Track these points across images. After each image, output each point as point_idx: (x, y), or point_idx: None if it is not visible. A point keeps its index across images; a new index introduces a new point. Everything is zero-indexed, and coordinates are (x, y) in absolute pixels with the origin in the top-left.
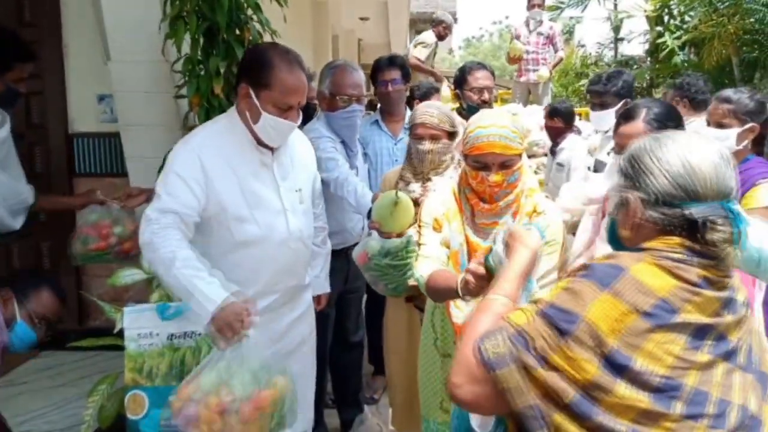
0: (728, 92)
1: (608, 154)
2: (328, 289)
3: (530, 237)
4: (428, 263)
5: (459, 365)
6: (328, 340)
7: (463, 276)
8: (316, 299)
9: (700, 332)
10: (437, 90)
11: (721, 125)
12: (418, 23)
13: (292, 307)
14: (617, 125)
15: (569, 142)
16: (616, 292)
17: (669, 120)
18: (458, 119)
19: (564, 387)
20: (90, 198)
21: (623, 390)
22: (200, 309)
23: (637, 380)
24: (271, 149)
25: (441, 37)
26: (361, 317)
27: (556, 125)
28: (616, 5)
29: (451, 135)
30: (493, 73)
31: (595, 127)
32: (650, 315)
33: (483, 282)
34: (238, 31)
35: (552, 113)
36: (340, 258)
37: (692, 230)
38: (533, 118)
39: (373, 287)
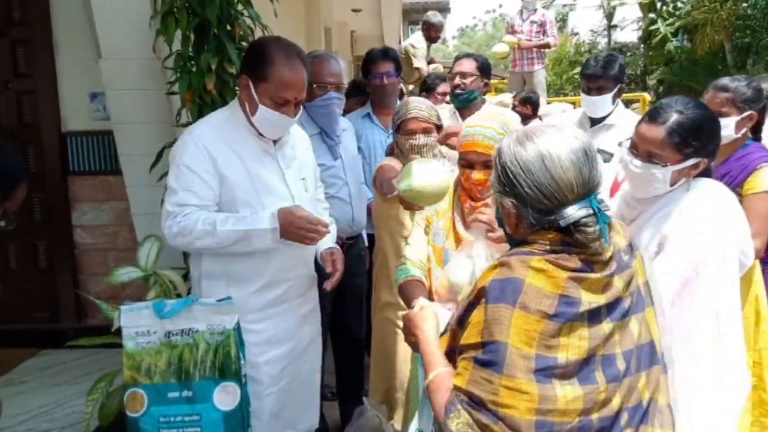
0: (725, 80)
1: (619, 145)
2: (337, 246)
3: (423, 319)
4: (410, 268)
5: None
6: (326, 334)
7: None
8: (329, 256)
9: (598, 311)
10: (443, 80)
11: (719, 114)
12: (411, 14)
13: (303, 300)
14: (640, 120)
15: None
16: (524, 305)
17: (695, 137)
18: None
19: (521, 423)
20: None
21: (560, 390)
22: (265, 241)
23: (565, 374)
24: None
25: (432, 40)
26: (363, 312)
27: (526, 112)
28: None
29: (439, 128)
30: (477, 61)
31: (588, 114)
32: (557, 315)
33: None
34: (228, 27)
35: (524, 101)
36: None
37: (563, 229)
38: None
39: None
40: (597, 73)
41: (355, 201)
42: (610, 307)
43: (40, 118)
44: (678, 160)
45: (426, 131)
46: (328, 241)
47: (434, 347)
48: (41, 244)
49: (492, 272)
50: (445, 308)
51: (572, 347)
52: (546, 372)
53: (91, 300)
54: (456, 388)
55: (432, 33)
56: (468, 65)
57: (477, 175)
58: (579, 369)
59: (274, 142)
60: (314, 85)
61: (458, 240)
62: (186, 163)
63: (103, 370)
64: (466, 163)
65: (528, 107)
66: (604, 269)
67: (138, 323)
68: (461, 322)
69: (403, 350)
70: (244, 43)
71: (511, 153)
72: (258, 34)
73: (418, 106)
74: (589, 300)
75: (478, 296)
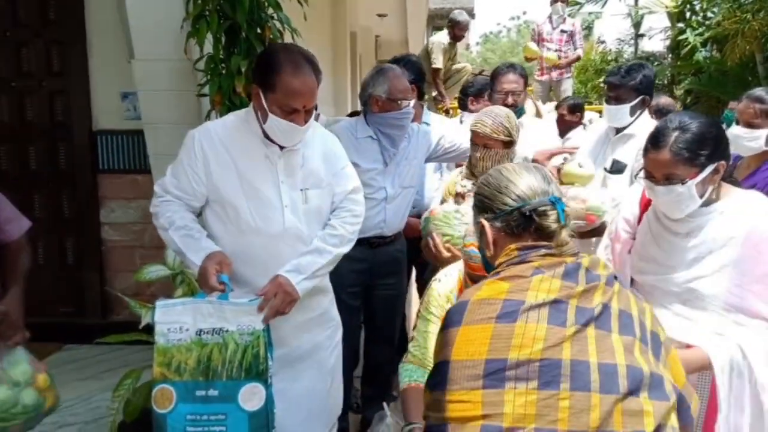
0: (759, 92)
1: (636, 177)
2: (286, 276)
3: None
4: (412, 369)
5: None
6: (359, 338)
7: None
8: (270, 283)
9: (555, 310)
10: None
11: (750, 125)
12: (435, 19)
13: (298, 310)
14: (645, 150)
15: (576, 133)
16: (468, 321)
17: (702, 146)
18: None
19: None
20: None
21: (510, 394)
22: (192, 268)
23: (524, 377)
24: (281, 146)
25: (456, 38)
26: (395, 315)
27: (574, 120)
28: (636, 1)
29: (507, 144)
30: (524, 76)
31: (608, 123)
32: (501, 317)
33: None
34: (259, 30)
35: (574, 108)
36: (361, 247)
37: (530, 225)
38: (552, 116)
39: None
40: (615, 83)
41: (390, 204)
42: (578, 312)
43: (71, 117)
44: (695, 173)
45: (486, 146)
46: (288, 268)
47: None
48: (69, 240)
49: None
50: None
51: (525, 347)
52: (497, 375)
53: (116, 296)
54: (424, 419)
55: (456, 31)
56: (516, 82)
57: None
58: (542, 372)
59: (281, 148)
60: (398, 101)
61: None
62: (181, 154)
63: (127, 366)
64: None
65: (576, 115)
66: (557, 267)
67: (172, 319)
68: None
69: None
70: None
71: (481, 184)
72: (287, 37)
73: (483, 120)
74: (532, 298)
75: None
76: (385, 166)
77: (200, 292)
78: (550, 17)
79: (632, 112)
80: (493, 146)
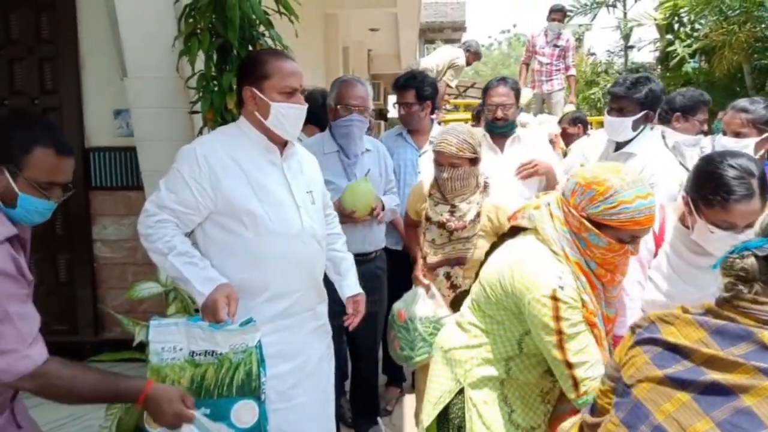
0: (744, 102)
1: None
2: (361, 290)
3: None
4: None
5: None
6: (345, 353)
7: None
8: (352, 303)
9: (666, 354)
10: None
11: (738, 134)
12: (427, 33)
13: (312, 315)
14: (726, 201)
15: (578, 145)
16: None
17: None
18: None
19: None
20: None
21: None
22: (195, 295)
23: (616, 389)
24: (280, 149)
25: (467, 63)
26: (377, 332)
27: (576, 132)
28: (625, 13)
29: (473, 161)
30: (516, 90)
31: (607, 135)
32: (638, 337)
33: None
34: (250, 48)
35: (576, 120)
36: None
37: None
38: (544, 128)
39: (389, 346)
40: (619, 93)
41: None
42: (688, 371)
43: (64, 134)
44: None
45: (453, 165)
46: (353, 286)
47: None
48: (62, 257)
49: None
50: None
51: (628, 367)
52: (617, 381)
53: (109, 313)
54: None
55: (470, 60)
56: (505, 95)
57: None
58: (620, 394)
59: (281, 153)
60: (338, 107)
61: (605, 318)
62: (179, 167)
63: None
64: (632, 238)
65: (578, 127)
66: (718, 322)
67: (166, 339)
68: None
69: None
70: None
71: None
72: None
73: (447, 139)
74: (666, 334)
75: None
76: (348, 181)
77: (195, 316)
78: (545, 32)
79: (634, 126)
80: (459, 165)
